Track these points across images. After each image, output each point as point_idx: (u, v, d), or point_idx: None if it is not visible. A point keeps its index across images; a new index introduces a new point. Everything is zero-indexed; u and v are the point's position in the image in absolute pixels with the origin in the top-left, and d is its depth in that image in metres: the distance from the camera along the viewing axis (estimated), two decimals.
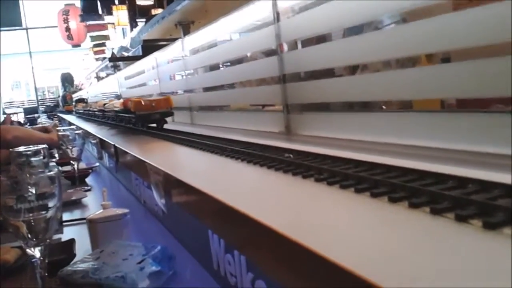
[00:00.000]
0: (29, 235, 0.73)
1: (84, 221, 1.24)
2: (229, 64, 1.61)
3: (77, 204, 1.57)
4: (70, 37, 8.31)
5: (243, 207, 0.54)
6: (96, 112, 2.82)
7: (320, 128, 1.04)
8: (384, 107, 1.21)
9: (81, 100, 5.01)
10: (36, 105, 10.24)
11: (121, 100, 1.97)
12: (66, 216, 1.40)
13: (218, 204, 0.61)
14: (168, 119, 1.66)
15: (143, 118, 1.63)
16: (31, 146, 1.50)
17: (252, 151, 0.86)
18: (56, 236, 1.16)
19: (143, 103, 1.63)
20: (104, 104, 2.45)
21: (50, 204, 0.76)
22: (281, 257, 0.46)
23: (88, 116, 3.52)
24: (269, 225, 0.47)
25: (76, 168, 1.74)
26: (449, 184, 0.47)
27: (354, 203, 0.50)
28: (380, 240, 0.39)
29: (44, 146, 1.42)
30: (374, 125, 0.89)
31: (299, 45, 1.21)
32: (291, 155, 0.77)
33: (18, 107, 10.59)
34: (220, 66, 1.87)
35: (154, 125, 1.65)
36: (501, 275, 0.30)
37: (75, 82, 8.60)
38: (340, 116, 1.03)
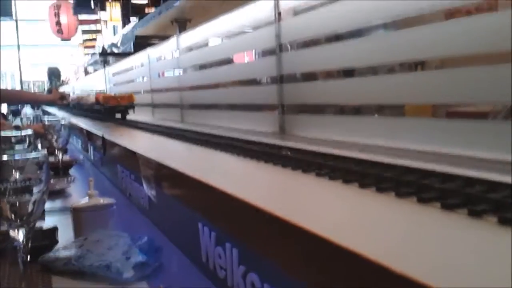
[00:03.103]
0: (13, 217, 0.70)
1: (66, 211, 1.21)
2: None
3: (59, 194, 1.53)
4: (60, 31, 8.20)
5: (239, 194, 0.53)
6: (75, 105, 3.29)
7: (315, 130, 1.03)
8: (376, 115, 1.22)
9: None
10: None
11: (94, 95, 2.45)
12: (48, 205, 1.37)
13: (213, 192, 0.60)
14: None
15: (110, 109, 2.05)
16: (14, 132, 1.47)
17: (248, 146, 0.85)
18: (37, 224, 1.13)
19: (110, 98, 2.10)
20: (82, 98, 2.95)
21: (36, 189, 0.73)
22: (281, 245, 0.45)
23: (68, 108, 3.88)
24: (268, 210, 0.45)
25: (60, 159, 1.71)
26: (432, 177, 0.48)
27: (357, 196, 0.49)
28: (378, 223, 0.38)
29: (30, 133, 1.39)
30: (368, 128, 0.89)
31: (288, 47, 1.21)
32: (288, 152, 0.77)
33: None
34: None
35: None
36: None
37: (62, 77, 8.49)
38: (335, 119, 1.03)
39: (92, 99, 2.46)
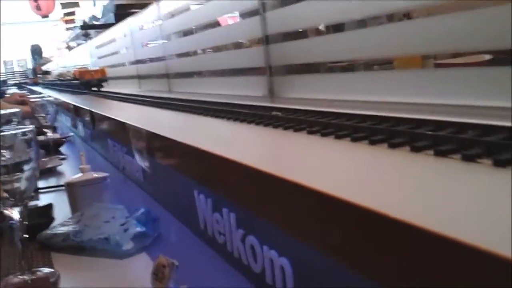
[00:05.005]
0: (6, 195, 0.70)
1: (61, 187, 1.21)
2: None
3: (52, 172, 1.53)
4: (38, 8, 7.99)
5: (232, 157, 0.52)
6: (57, 82, 3.60)
7: (304, 90, 1.02)
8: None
9: (46, 72, 5.16)
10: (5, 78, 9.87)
11: (72, 71, 2.74)
12: (41, 184, 1.36)
13: (205, 157, 0.59)
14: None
15: (85, 83, 2.30)
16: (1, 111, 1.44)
17: (238, 110, 0.84)
18: (32, 203, 1.12)
19: (85, 73, 2.35)
20: (62, 74, 3.35)
21: (26, 167, 0.73)
22: (277, 204, 0.45)
23: (51, 85, 4.14)
24: (260, 169, 0.45)
25: (50, 137, 1.69)
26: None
27: (351, 150, 0.49)
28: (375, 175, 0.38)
29: (17, 110, 1.37)
30: (358, 85, 0.88)
31: None
32: (279, 113, 0.76)
33: None
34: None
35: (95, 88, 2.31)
36: None
37: (44, 54, 8.32)
38: (324, 78, 1.01)
39: (70, 75, 2.79)
